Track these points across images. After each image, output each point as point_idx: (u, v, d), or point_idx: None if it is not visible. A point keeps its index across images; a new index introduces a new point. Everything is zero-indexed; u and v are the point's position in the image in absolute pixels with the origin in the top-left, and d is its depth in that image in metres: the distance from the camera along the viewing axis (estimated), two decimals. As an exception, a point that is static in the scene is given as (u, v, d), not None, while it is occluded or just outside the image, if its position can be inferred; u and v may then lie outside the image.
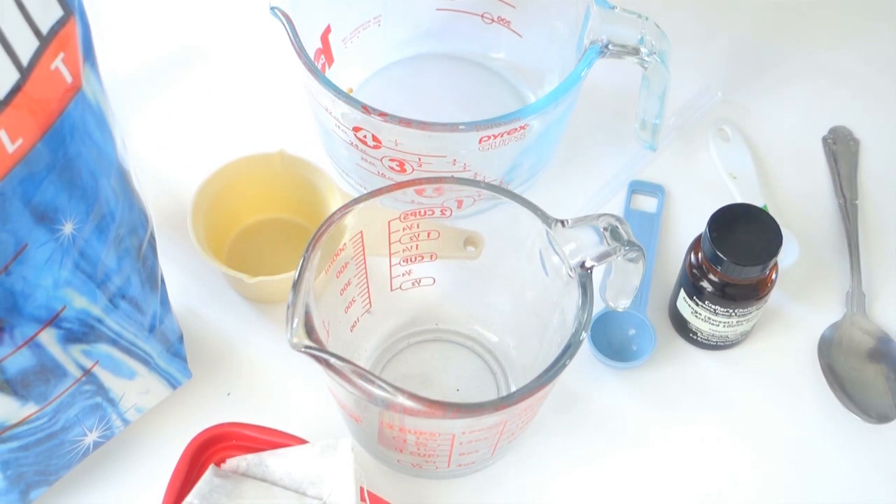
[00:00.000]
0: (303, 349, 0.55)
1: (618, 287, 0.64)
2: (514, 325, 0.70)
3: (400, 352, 0.72)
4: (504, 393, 0.70)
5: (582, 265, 0.59)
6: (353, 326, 0.68)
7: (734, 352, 0.73)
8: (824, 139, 0.83)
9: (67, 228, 0.53)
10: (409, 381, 0.70)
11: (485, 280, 0.70)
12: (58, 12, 0.48)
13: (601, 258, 0.59)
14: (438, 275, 0.69)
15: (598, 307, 0.65)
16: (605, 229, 0.59)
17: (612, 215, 0.60)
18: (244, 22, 0.87)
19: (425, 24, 0.82)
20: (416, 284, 0.69)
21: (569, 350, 0.58)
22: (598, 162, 0.81)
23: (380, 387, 0.54)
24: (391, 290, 0.69)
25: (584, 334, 0.58)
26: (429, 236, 0.66)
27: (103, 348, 0.60)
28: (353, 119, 0.69)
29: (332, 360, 0.55)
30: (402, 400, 0.54)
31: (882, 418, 0.69)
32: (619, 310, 0.66)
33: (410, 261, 0.67)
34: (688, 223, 0.78)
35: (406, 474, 0.68)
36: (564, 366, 0.57)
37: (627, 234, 0.59)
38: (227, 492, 0.62)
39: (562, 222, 0.60)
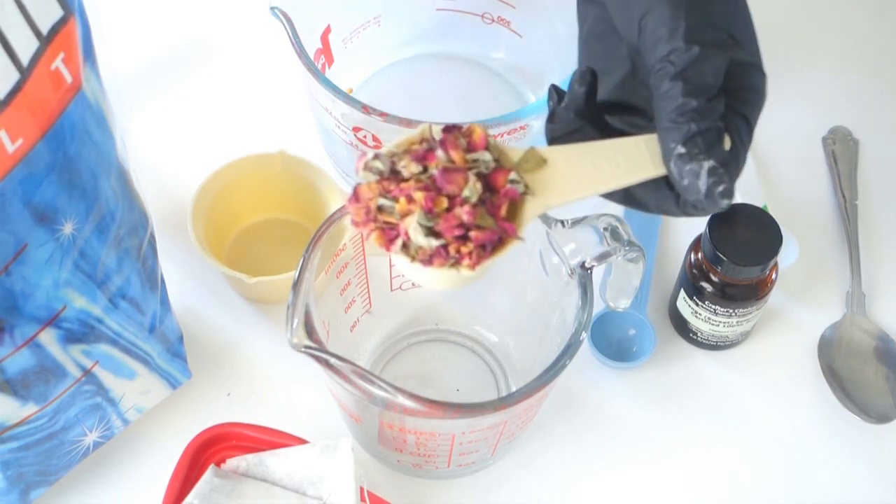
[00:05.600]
0: (303, 349, 0.55)
1: (618, 287, 0.64)
2: (514, 325, 0.70)
3: (400, 352, 0.72)
4: (504, 393, 0.70)
5: (582, 265, 0.59)
6: (353, 326, 0.68)
7: (734, 352, 0.73)
8: (824, 139, 0.83)
9: (67, 228, 0.53)
10: (409, 381, 0.70)
11: (485, 280, 0.69)
12: (58, 12, 0.48)
13: (601, 258, 0.59)
14: (438, 275, 0.69)
15: (598, 307, 0.65)
16: (605, 229, 0.59)
17: (612, 215, 0.60)
18: (244, 22, 0.87)
19: (425, 24, 0.82)
20: (416, 284, 0.69)
21: (569, 350, 0.58)
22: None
23: (380, 387, 0.54)
24: (391, 290, 0.69)
25: (584, 334, 0.58)
26: (429, 236, 0.66)
27: (103, 348, 0.60)
28: (353, 119, 0.69)
29: (332, 360, 0.55)
30: (402, 400, 0.54)
31: (882, 418, 0.69)
32: (619, 310, 0.66)
33: (410, 261, 0.67)
34: (688, 223, 0.78)
35: (406, 474, 0.68)
36: (564, 366, 0.57)
37: (627, 235, 0.59)
38: (227, 492, 0.62)
39: (562, 222, 0.60)
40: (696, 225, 0.71)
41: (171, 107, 0.83)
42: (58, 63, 0.49)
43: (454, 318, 0.72)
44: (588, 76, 0.53)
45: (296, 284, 0.57)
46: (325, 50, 0.77)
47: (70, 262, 0.54)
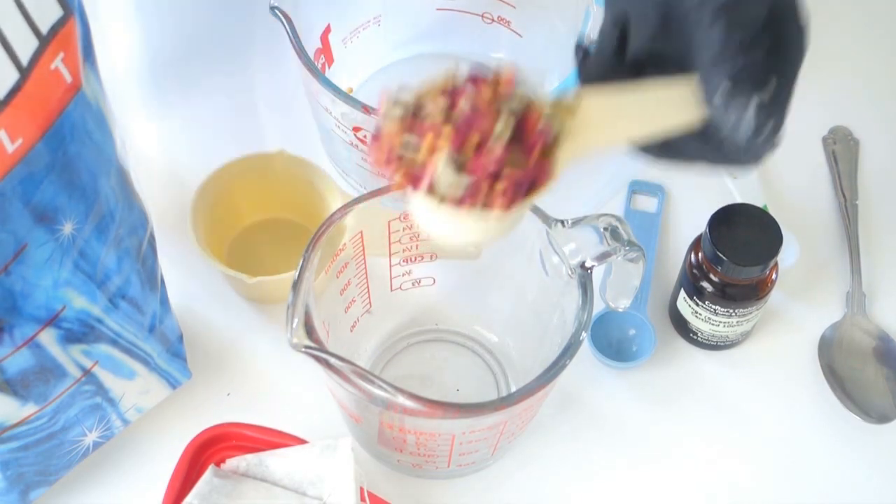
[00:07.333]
0: (303, 349, 0.55)
1: (618, 287, 0.64)
2: (514, 325, 0.70)
3: (400, 352, 0.72)
4: (504, 393, 0.70)
5: (582, 265, 0.59)
6: (353, 326, 0.68)
7: (734, 352, 0.73)
8: (824, 139, 0.83)
9: (67, 228, 0.53)
10: (409, 381, 0.70)
11: (485, 280, 0.69)
12: (58, 12, 0.48)
13: (601, 258, 0.59)
14: (438, 275, 0.69)
15: (598, 307, 0.65)
16: (605, 229, 0.59)
17: (612, 215, 0.60)
18: (244, 22, 0.87)
19: (425, 24, 0.82)
20: (416, 284, 0.69)
21: (569, 350, 0.58)
22: (597, 162, 0.81)
23: (380, 387, 0.54)
24: (391, 290, 0.69)
25: (584, 334, 0.58)
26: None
27: (103, 348, 0.60)
28: (353, 119, 0.69)
29: (332, 360, 0.55)
30: (402, 400, 0.54)
31: (882, 418, 0.69)
32: (619, 310, 0.66)
33: (410, 261, 0.67)
34: (688, 223, 0.78)
35: (406, 474, 0.68)
36: (564, 366, 0.57)
37: (627, 234, 0.59)
38: (226, 492, 0.62)
39: (562, 222, 0.60)
40: (696, 225, 0.71)
41: (171, 107, 0.83)
42: (57, 63, 0.49)
43: (454, 318, 0.72)
44: (622, 18, 0.51)
45: (296, 284, 0.57)
46: (325, 50, 0.77)
47: (70, 262, 0.54)
